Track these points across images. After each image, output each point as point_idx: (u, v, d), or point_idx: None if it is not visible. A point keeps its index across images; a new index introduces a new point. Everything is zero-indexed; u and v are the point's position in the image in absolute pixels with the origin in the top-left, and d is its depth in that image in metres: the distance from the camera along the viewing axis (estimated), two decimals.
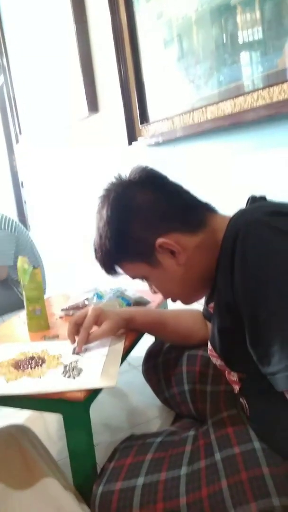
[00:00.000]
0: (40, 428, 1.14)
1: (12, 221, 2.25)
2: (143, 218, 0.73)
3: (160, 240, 0.71)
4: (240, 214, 0.68)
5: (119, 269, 0.79)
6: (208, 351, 0.81)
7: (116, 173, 0.78)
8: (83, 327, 0.92)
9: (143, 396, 1.24)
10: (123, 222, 0.74)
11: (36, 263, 2.26)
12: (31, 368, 0.86)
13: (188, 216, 0.74)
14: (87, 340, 0.92)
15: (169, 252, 0.73)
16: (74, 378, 0.80)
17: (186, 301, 0.82)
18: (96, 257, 0.80)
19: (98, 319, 0.94)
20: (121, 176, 0.77)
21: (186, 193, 0.77)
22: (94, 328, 0.95)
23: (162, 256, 0.73)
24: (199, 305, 1.03)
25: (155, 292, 0.82)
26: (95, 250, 0.79)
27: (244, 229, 0.61)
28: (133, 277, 0.80)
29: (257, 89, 1.31)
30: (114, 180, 0.77)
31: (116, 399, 1.28)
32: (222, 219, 0.73)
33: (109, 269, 0.79)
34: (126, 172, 0.78)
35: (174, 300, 0.82)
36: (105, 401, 1.24)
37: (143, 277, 0.79)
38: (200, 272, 0.75)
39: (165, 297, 0.83)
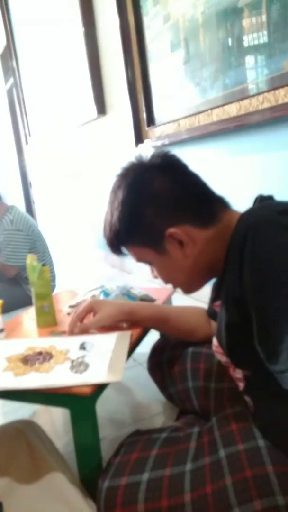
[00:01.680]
0: (46, 422, 1.15)
1: (31, 222, 2.28)
2: (158, 205, 0.73)
3: (170, 230, 0.72)
4: (251, 211, 0.69)
5: (124, 250, 0.80)
6: (213, 347, 0.82)
7: (137, 153, 0.77)
8: (74, 315, 0.99)
9: (147, 392, 1.25)
10: (137, 205, 0.74)
11: (46, 263, 2.29)
12: (39, 363, 0.87)
13: (202, 209, 0.74)
14: (80, 331, 0.98)
15: (178, 243, 0.73)
16: (81, 373, 0.81)
17: (186, 291, 0.83)
18: (105, 235, 0.80)
19: (92, 310, 0.99)
20: (142, 157, 0.77)
21: (204, 185, 0.77)
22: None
23: (170, 245, 0.74)
24: (202, 303, 1.04)
25: (155, 276, 0.83)
26: (105, 228, 0.79)
27: (254, 226, 0.62)
28: (138, 260, 0.80)
29: (263, 92, 1.32)
30: (134, 160, 0.77)
31: (120, 394, 1.29)
32: (234, 215, 0.73)
33: (116, 249, 0.80)
34: (147, 154, 0.77)
35: (174, 287, 0.84)
36: (109, 396, 1.25)
37: (147, 262, 0.80)
38: (206, 265, 0.75)
39: (166, 283, 0.83)
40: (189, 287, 0.82)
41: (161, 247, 0.74)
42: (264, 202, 0.74)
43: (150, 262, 0.80)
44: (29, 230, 2.23)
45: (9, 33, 4.18)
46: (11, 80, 4.75)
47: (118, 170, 0.78)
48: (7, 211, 2.22)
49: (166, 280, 0.82)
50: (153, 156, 0.76)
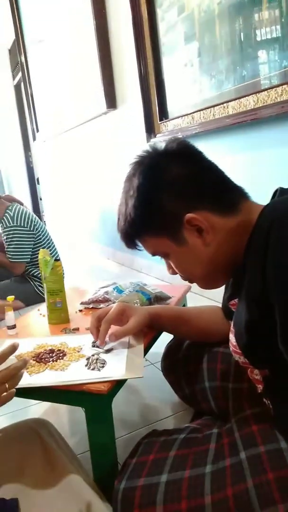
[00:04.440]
0: (54, 424, 1.13)
1: (32, 217, 2.26)
2: (175, 190, 0.70)
3: (189, 216, 0.68)
4: (274, 204, 0.66)
5: (139, 244, 0.76)
6: (231, 347, 0.79)
7: (152, 143, 0.75)
8: (104, 320, 0.90)
9: (161, 392, 1.22)
10: (154, 192, 0.70)
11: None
12: (53, 361, 0.85)
13: (221, 195, 0.71)
14: (115, 337, 0.89)
15: (196, 230, 0.70)
16: (99, 370, 0.78)
17: (204, 285, 0.79)
18: (118, 227, 0.76)
19: (123, 315, 0.92)
20: (156, 145, 0.74)
21: (222, 173, 0.74)
22: (114, 328, 0.92)
23: (189, 233, 0.70)
24: (216, 303, 1.01)
25: (173, 273, 0.79)
26: (118, 219, 0.76)
27: (278, 220, 0.59)
28: (153, 253, 0.77)
29: (282, 84, 1.29)
30: (149, 148, 0.74)
31: (133, 395, 1.27)
32: (255, 207, 0.70)
33: (130, 241, 0.76)
34: (161, 143, 0.74)
35: (191, 282, 0.79)
36: (122, 397, 1.23)
37: (164, 254, 0.76)
38: (226, 257, 0.72)
39: (184, 278, 0.79)
40: (208, 281, 0.78)
41: (179, 235, 0.71)
42: (287, 195, 0.71)
43: (166, 255, 0.76)
44: (31, 225, 2.21)
45: (18, 28, 4.16)
46: (19, 75, 4.73)
47: (132, 159, 0.75)
48: (7, 209, 2.21)
49: (184, 273, 0.78)
50: (168, 143, 0.73)
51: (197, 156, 0.74)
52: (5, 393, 0.65)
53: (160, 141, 0.75)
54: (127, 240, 0.76)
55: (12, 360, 0.67)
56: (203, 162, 0.74)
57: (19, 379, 0.68)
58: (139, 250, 0.78)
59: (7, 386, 0.65)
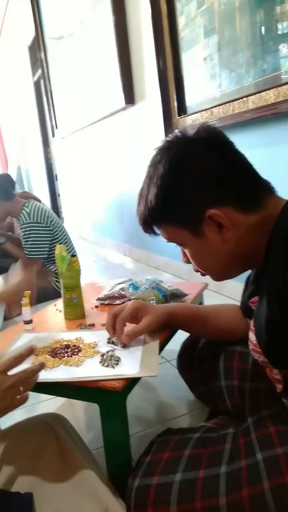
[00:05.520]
0: (70, 419, 1.14)
1: (49, 213, 2.27)
2: (200, 184, 0.68)
3: (211, 211, 0.67)
4: None
5: (157, 230, 0.75)
6: (251, 346, 0.77)
7: (182, 128, 0.73)
8: (118, 318, 0.89)
9: (176, 390, 1.22)
10: (178, 184, 0.69)
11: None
12: (68, 356, 0.85)
13: (247, 192, 0.69)
14: (127, 337, 0.88)
15: (217, 226, 0.68)
16: (113, 367, 0.78)
17: (217, 278, 0.77)
18: (138, 211, 0.75)
19: (137, 313, 0.91)
20: (186, 130, 0.72)
21: (250, 166, 0.72)
22: (130, 326, 0.91)
23: (209, 228, 0.69)
24: (233, 301, 0.99)
25: (187, 261, 0.78)
26: (138, 203, 0.75)
27: None
28: (169, 240, 0.76)
29: None
30: (178, 133, 0.72)
31: (148, 392, 1.27)
32: (279, 202, 0.68)
33: (148, 227, 0.75)
34: (192, 129, 0.71)
35: (203, 275, 0.78)
36: (137, 394, 1.23)
37: (180, 243, 0.75)
38: (244, 254, 0.70)
39: (197, 269, 0.78)
40: (222, 275, 0.77)
41: (199, 228, 0.69)
42: None
43: (182, 244, 0.75)
44: (47, 221, 2.22)
45: (37, 25, 4.19)
46: (39, 72, 4.76)
47: (159, 142, 0.73)
48: (23, 206, 2.22)
49: (198, 265, 0.76)
50: (198, 130, 0.71)
51: (227, 149, 0.72)
52: (18, 396, 0.65)
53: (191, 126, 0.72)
54: (144, 225, 0.76)
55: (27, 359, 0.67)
56: (232, 155, 0.71)
57: (34, 383, 0.67)
58: (156, 234, 0.77)
59: (21, 389, 0.65)
